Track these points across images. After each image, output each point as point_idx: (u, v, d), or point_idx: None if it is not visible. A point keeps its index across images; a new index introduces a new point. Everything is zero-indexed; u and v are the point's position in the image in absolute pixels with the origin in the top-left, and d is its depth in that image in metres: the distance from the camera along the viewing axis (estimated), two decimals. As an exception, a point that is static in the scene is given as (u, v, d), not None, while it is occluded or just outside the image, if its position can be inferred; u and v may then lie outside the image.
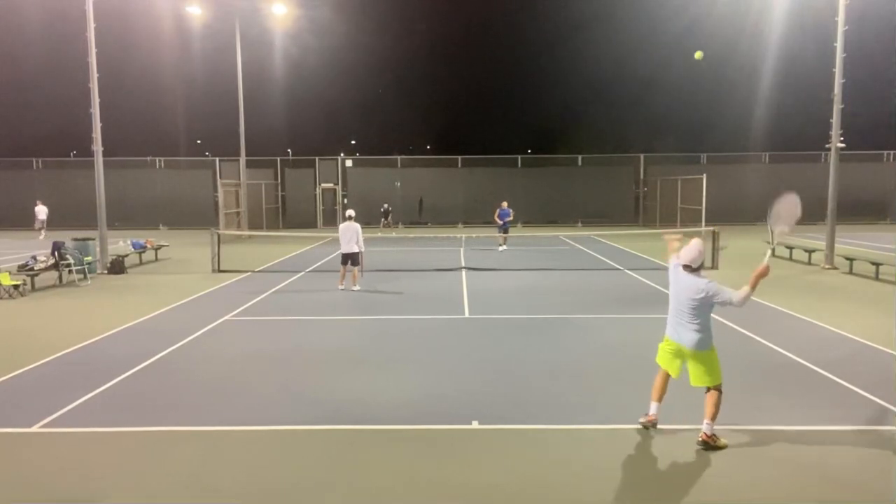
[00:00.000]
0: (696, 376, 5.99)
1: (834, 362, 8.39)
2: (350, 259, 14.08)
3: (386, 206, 31.79)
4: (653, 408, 6.32)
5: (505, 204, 22.51)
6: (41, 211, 28.65)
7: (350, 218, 14.39)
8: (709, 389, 5.97)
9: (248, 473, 5.48)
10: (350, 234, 13.90)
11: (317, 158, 35.60)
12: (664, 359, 6.26)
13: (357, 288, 14.08)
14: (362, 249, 14.10)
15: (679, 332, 6.02)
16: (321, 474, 5.48)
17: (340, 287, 14.12)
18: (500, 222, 22.25)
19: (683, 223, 27.04)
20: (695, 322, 5.88)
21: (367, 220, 33.92)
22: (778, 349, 9.11)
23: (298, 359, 8.93)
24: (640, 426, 6.32)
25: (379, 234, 28.62)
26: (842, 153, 17.57)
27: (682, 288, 5.99)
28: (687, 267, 5.97)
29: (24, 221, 31.84)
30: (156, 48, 46.24)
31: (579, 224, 32.92)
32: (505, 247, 22.07)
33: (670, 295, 6.16)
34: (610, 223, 32.66)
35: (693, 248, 5.96)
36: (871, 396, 7.12)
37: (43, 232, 27.85)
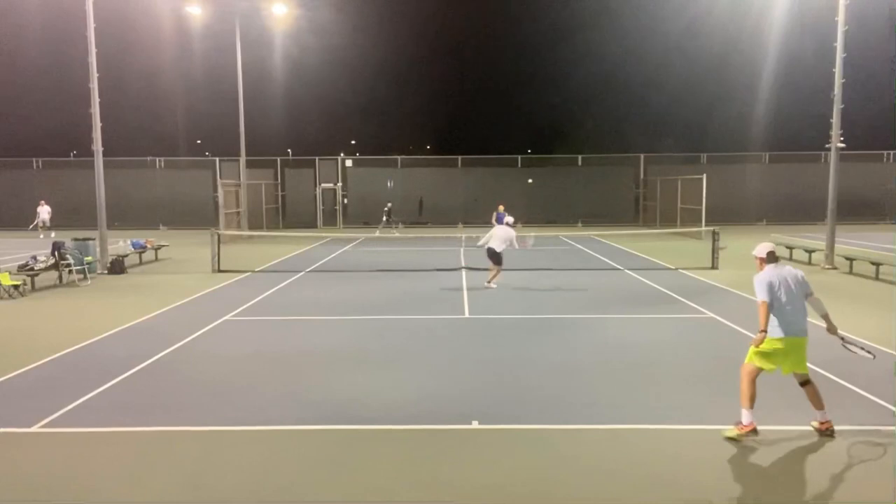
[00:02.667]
0: (802, 362, 6.22)
1: (834, 362, 8.39)
2: (495, 257, 14.26)
3: (389, 205, 30.76)
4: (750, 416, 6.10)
5: (501, 207, 21.88)
6: (44, 210, 28.65)
7: (509, 224, 14.53)
8: (808, 381, 6.23)
9: (248, 473, 5.48)
10: (504, 236, 14.08)
11: (317, 158, 35.58)
12: (778, 358, 6.15)
13: (494, 286, 14.17)
14: (515, 246, 14.22)
15: (803, 323, 6.16)
16: (321, 474, 5.48)
17: (493, 285, 14.22)
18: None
19: (683, 223, 27.04)
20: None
21: (367, 219, 34.00)
22: (778, 349, 9.09)
23: (298, 359, 8.93)
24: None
25: (377, 234, 28.42)
26: (842, 153, 17.57)
27: (791, 279, 6.23)
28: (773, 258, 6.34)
29: (24, 221, 31.83)
30: (156, 48, 46.23)
31: (579, 224, 32.92)
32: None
33: (784, 296, 6.12)
34: (610, 223, 32.62)
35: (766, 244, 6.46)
36: (871, 396, 7.13)
37: (42, 232, 27.84)
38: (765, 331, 6.02)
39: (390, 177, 35.40)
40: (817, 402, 6.17)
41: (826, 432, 6.12)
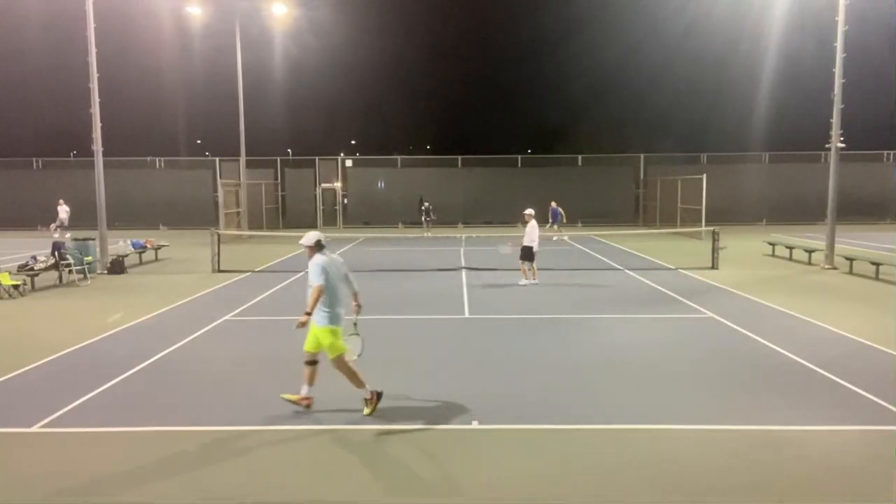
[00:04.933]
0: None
1: (834, 362, 8.39)
2: (527, 252, 14.63)
3: (427, 204, 28.64)
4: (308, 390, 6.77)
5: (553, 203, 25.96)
6: (62, 210, 28.55)
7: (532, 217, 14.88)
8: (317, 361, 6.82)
9: (248, 473, 5.48)
10: (533, 232, 14.52)
11: (317, 158, 35.57)
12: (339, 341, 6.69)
13: (526, 282, 14.67)
14: (530, 244, 14.57)
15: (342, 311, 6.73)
16: (321, 474, 5.48)
17: (524, 282, 14.73)
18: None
19: (684, 223, 27.04)
20: None
21: (367, 219, 33.99)
22: (778, 349, 9.11)
23: (298, 359, 8.87)
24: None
25: (428, 235, 27.62)
26: (842, 153, 17.57)
27: (341, 266, 6.78)
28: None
29: (24, 221, 31.85)
30: (156, 48, 46.30)
31: (579, 224, 32.90)
32: (555, 237, 24.80)
33: (337, 283, 6.64)
34: (610, 223, 32.63)
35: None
36: (871, 396, 7.12)
37: (57, 231, 27.69)
38: (310, 313, 6.45)
39: (382, 177, 35.29)
40: (312, 380, 6.77)
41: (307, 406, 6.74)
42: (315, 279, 6.48)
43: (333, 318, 6.57)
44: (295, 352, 9.31)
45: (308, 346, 6.74)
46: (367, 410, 6.64)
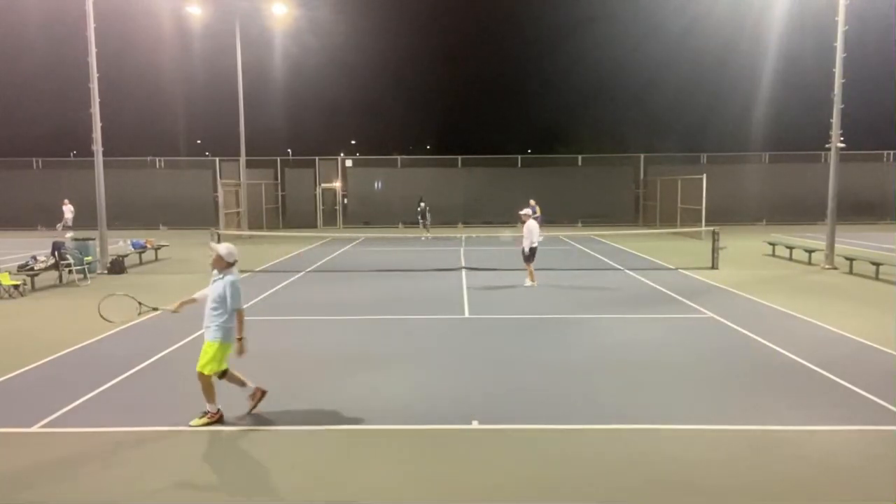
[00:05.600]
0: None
1: (834, 362, 8.39)
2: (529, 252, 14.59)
3: (423, 205, 27.46)
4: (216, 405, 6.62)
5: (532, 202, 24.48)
6: (67, 209, 28.53)
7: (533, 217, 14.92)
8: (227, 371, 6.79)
9: (247, 473, 5.48)
10: (532, 232, 14.53)
11: (317, 158, 35.57)
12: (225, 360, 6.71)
13: (531, 284, 14.60)
14: (533, 244, 14.49)
15: None
16: (321, 474, 5.48)
17: (528, 284, 14.59)
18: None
19: (683, 223, 27.04)
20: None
21: (367, 219, 34.01)
22: (778, 349, 9.11)
23: (298, 359, 8.93)
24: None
25: (428, 235, 27.07)
26: (842, 153, 17.57)
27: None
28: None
29: (24, 221, 31.86)
30: (156, 48, 46.34)
31: (579, 224, 32.92)
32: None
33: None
34: (610, 223, 32.64)
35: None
36: (872, 396, 7.12)
37: (69, 231, 27.65)
38: (242, 337, 6.64)
39: (381, 177, 35.26)
40: (241, 383, 6.80)
41: (257, 399, 6.76)
42: (239, 300, 6.63)
43: (228, 335, 6.65)
44: (294, 352, 9.36)
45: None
46: (197, 421, 6.47)
